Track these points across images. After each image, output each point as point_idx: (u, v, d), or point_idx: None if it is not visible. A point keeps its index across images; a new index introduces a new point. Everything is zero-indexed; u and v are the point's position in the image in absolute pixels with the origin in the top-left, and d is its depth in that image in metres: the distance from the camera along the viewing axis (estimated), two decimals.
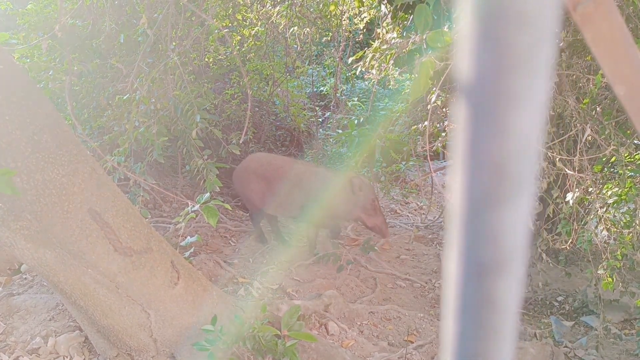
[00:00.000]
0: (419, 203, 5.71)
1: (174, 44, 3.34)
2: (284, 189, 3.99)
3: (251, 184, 4.05)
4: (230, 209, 2.92)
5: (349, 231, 4.72)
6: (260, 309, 2.47)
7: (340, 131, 5.64)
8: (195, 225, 4.22)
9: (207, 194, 2.34)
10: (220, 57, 4.66)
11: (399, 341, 3.15)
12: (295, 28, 4.88)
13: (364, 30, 5.40)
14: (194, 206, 2.33)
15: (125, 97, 2.89)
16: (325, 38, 5.75)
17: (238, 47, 4.83)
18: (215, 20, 4.84)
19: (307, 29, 5.09)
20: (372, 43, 4.29)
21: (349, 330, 3.10)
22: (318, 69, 6.61)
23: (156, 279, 2.28)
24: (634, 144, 2.98)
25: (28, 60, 3.65)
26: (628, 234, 2.92)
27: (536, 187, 2.76)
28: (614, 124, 3.22)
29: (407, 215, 5.52)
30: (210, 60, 4.59)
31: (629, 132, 3.07)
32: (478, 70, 0.24)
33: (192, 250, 2.86)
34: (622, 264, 2.90)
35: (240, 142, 4.82)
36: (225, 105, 4.81)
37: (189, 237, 2.64)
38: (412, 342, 3.11)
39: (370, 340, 3.09)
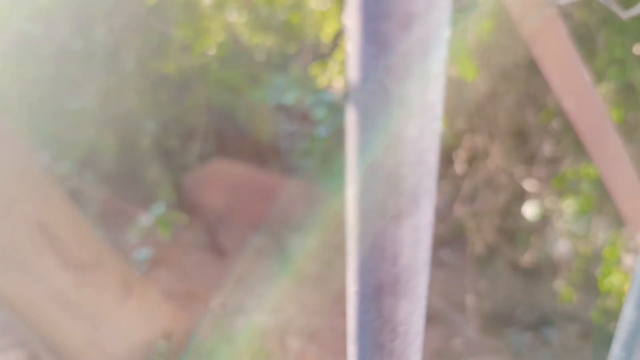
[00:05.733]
0: None
1: (132, 52, 3.27)
2: (250, 200, 3.94)
3: (213, 192, 3.98)
4: (187, 221, 2.85)
5: None
6: (216, 325, 2.40)
7: (306, 143, 5.63)
8: (153, 238, 4.11)
9: (162, 205, 2.28)
10: (182, 66, 4.58)
11: None
12: (260, 38, 4.85)
13: (331, 41, 5.41)
14: (148, 218, 2.26)
15: (79, 105, 2.81)
16: (291, 48, 5.74)
17: (201, 57, 4.77)
18: (177, 29, 4.78)
19: (272, 39, 5.07)
20: (337, 54, 4.29)
21: (309, 346, 3.05)
22: (284, 79, 6.59)
23: (108, 294, 2.20)
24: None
25: None
26: (584, 247, 2.97)
27: (435, 202, 2.79)
28: (572, 138, 3.28)
29: None
30: (172, 69, 4.52)
31: None
32: (364, 73, 0.21)
33: (147, 264, 2.78)
34: (579, 276, 2.95)
35: (201, 153, 4.74)
36: (187, 115, 4.73)
37: (143, 250, 2.56)
38: None
39: (332, 356, 3.05)
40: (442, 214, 4.48)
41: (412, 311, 0.25)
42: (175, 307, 2.59)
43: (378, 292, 0.24)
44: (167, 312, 2.44)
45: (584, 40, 2.98)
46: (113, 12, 3.49)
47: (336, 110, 5.74)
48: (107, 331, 2.24)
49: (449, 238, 4.29)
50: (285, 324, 3.17)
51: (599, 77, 2.81)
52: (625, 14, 0.91)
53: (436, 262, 4.47)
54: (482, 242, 2.85)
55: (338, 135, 5.59)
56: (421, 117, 0.21)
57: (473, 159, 2.99)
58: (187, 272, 3.85)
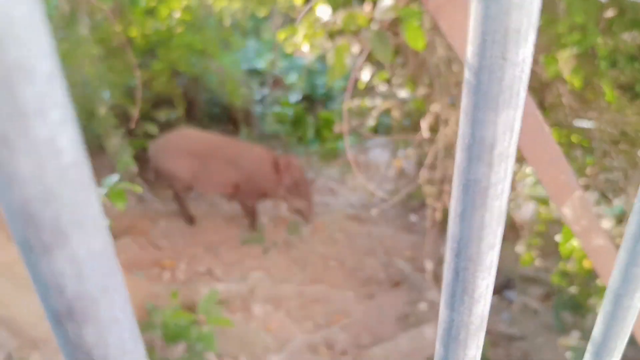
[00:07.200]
0: (357, 181, 5.72)
1: (89, 16, 3.16)
2: (216, 167, 3.90)
3: (178, 160, 3.92)
4: (142, 191, 2.78)
5: (284, 210, 4.68)
6: (172, 295, 2.40)
7: (278, 109, 5.56)
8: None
9: (116, 176, 2.22)
10: (147, 31, 4.45)
11: (326, 321, 3.16)
12: (227, 1, 4.72)
13: (303, 4, 5.29)
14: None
15: None
16: (262, 12, 5.59)
17: (167, 21, 4.63)
18: None
19: (241, 3, 4.94)
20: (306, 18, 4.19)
21: (274, 313, 3.07)
22: (256, 44, 6.46)
23: None
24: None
25: None
26: (545, 211, 3.00)
27: None
28: None
29: (345, 194, 5.51)
30: (137, 34, 4.39)
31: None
32: None
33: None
34: (539, 240, 2.98)
35: (168, 119, 4.65)
36: (153, 81, 4.62)
37: None
38: (338, 322, 3.12)
39: (296, 322, 3.08)
40: (409, 180, 4.48)
41: (104, 335, 0.24)
42: (132, 277, 2.57)
43: (57, 320, 0.23)
44: None
45: (546, 7, 2.94)
46: None
47: (307, 75, 5.66)
48: None
49: (416, 204, 4.32)
50: (250, 291, 3.19)
51: (560, 42, 2.79)
52: None
53: (405, 228, 4.50)
54: (442, 208, 2.86)
55: (308, 100, 5.52)
56: (34, 155, 0.19)
57: (436, 125, 2.97)
58: (155, 240, 3.83)
